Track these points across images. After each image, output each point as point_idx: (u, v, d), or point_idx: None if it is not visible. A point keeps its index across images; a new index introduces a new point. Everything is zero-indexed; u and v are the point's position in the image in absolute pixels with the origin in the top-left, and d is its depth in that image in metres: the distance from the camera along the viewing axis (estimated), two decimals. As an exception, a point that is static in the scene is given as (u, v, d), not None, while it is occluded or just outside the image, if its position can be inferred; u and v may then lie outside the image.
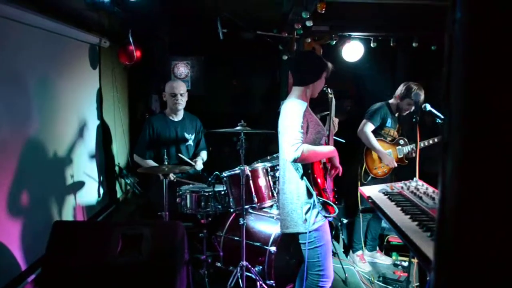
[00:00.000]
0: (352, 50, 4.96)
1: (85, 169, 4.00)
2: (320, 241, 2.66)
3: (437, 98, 3.70)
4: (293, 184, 2.67)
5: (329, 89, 2.95)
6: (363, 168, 4.30)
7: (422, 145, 4.30)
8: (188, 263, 2.72)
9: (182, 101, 4.18)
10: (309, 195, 2.62)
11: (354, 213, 4.59)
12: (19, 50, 2.98)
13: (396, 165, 4.26)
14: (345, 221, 4.93)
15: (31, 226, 3.03)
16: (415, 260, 3.84)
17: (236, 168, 3.59)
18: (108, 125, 4.55)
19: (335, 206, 2.60)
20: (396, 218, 1.95)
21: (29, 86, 3.13)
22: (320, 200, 2.58)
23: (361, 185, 4.22)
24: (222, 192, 3.77)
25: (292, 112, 2.60)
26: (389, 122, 4.30)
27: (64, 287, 2.40)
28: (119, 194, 4.76)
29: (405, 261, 4.51)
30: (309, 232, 2.62)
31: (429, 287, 1.95)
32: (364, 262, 4.42)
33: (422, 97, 3.79)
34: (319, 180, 2.62)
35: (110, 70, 4.61)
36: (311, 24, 3.94)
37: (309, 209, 2.61)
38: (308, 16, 3.71)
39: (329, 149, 2.73)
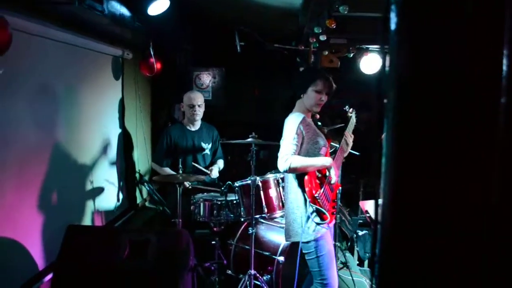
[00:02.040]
0: (370, 62, 4.98)
1: (105, 175, 4.19)
2: (321, 251, 2.70)
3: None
4: (293, 194, 2.77)
5: (350, 109, 3.21)
6: None
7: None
8: (194, 270, 2.81)
9: (200, 112, 4.32)
10: (305, 203, 2.70)
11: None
12: (46, 63, 3.20)
13: None
14: (360, 233, 4.93)
15: (51, 228, 3.21)
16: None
17: (247, 178, 3.68)
18: (130, 133, 4.74)
19: (327, 214, 2.64)
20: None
21: (56, 96, 3.36)
22: (314, 207, 2.64)
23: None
24: (234, 202, 3.87)
25: (287, 125, 2.75)
26: None
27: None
28: (138, 200, 4.93)
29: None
30: (309, 241, 2.68)
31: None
32: None
33: None
34: (312, 189, 2.67)
35: (132, 81, 4.80)
36: (325, 38, 4.01)
37: (307, 218, 2.68)
38: (321, 31, 3.78)
39: (322, 161, 2.74)
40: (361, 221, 4.21)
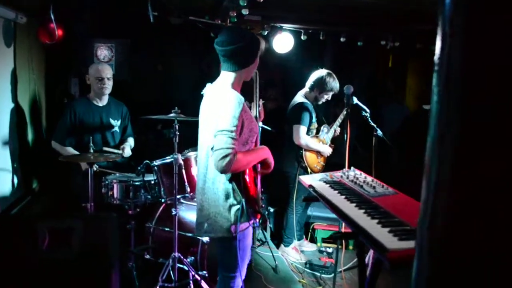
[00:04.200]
0: (283, 42, 5.00)
1: (-3, 156, 3.63)
2: (242, 244, 2.47)
3: (356, 90, 3.82)
4: (220, 184, 2.38)
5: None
6: (307, 170, 4.28)
7: (335, 126, 4.52)
8: (121, 257, 2.57)
9: (109, 86, 3.95)
10: (237, 199, 2.37)
11: (282, 203, 4.62)
12: None
13: (331, 151, 4.41)
14: (271, 209, 4.98)
15: None
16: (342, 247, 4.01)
17: (169, 157, 3.47)
18: (23, 109, 4.16)
19: (261, 212, 2.47)
20: (343, 206, 1.98)
21: None
22: (250, 210, 2.36)
23: (299, 185, 4.20)
24: (152, 182, 3.62)
25: (228, 111, 2.24)
26: (314, 118, 4.38)
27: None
28: (34, 185, 4.39)
29: (329, 247, 4.68)
30: (234, 237, 2.39)
31: (372, 270, 2.01)
32: (299, 253, 4.49)
33: (351, 90, 3.89)
34: (250, 186, 2.39)
35: (26, 49, 4.20)
36: (247, 13, 3.90)
37: (236, 213, 2.36)
38: (246, 4, 3.66)
39: (262, 153, 2.47)
40: (304, 195, 4.09)
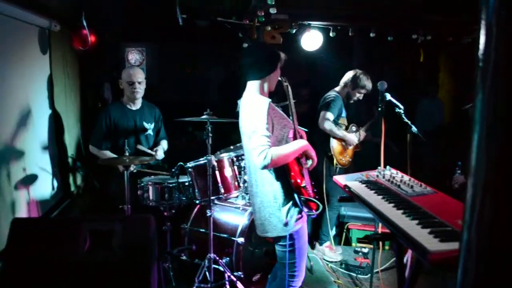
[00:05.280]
0: (311, 39, 4.97)
1: (38, 162, 3.74)
2: (298, 243, 2.57)
3: (388, 87, 3.76)
4: (268, 186, 2.51)
5: (282, 77, 2.77)
6: (333, 160, 4.29)
7: (366, 127, 4.48)
8: (158, 258, 2.61)
9: (141, 89, 4.01)
10: (287, 195, 2.49)
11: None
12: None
13: (356, 140, 4.38)
14: (305, 210, 4.94)
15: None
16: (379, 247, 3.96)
17: (202, 158, 3.50)
18: (60, 114, 4.28)
19: (317, 202, 2.48)
20: (381, 207, 1.95)
21: None
22: (302, 199, 2.45)
23: (328, 178, 4.23)
24: (187, 183, 3.67)
25: (256, 113, 2.42)
26: (343, 112, 4.39)
27: (29, 286, 2.22)
28: (72, 188, 4.51)
29: (364, 247, 4.62)
30: (289, 234, 2.51)
31: (411, 271, 1.98)
32: (334, 251, 4.45)
33: (385, 86, 3.84)
34: (297, 178, 2.47)
35: (61, 56, 4.32)
36: (275, 12, 3.89)
37: (288, 210, 2.49)
38: (273, 3, 3.65)
39: (300, 144, 2.53)
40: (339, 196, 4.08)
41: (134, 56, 5.40)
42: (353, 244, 4.78)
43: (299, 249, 2.58)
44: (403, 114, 3.91)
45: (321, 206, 2.52)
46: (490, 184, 0.78)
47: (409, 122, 3.91)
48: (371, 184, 2.35)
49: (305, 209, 2.47)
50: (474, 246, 0.81)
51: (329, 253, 4.45)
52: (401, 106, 3.94)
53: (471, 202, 0.81)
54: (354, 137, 4.39)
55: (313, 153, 2.61)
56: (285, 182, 2.48)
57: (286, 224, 2.48)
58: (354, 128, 4.47)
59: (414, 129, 3.92)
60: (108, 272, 2.26)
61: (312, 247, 4.62)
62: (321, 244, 4.52)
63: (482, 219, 0.79)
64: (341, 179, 2.58)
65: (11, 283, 2.22)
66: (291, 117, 2.73)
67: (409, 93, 6.24)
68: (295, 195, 2.44)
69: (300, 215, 2.53)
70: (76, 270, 2.25)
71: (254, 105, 2.48)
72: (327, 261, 4.39)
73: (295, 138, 2.56)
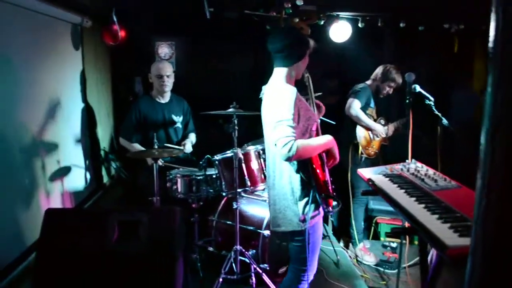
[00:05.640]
0: (340, 30, 4.91)
1: (71, 154, 3.88)
2: (312, 238, 2.49)
3: (421, 79, 3.69)
4: (286, 179, 2.44)
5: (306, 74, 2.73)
6: (358, 149, 4.26)
7: (396, 124, 4.40)
8: (185, 249, 2.66)
9: (169, 83, 4.08)
10: (305, 189, 2.41)
11: (343, 196, 4.55)
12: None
13: (383, 131, 4.31)
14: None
15: (19, 215, 2.92)
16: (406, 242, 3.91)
17: (229, 151, 3.54)
18: (93, 108, 4.42)
19: (336, 199, 2.43)
20: (402, 201, 1.93)
21: (5, 68, 2.91)
22: (322, 195, 2.38)
23: (353, 167, 4.20)
24: (214, 176, 3.72)
25: (282, 102, 2.32)
26: (372, 103, 4.34)
27: (61, 275, 2.32)
28: (105, 179, 4.65)
29: (393, 242, 4.57)
30: (304, 229, 2.42)
31: (434, 267, 1.96)
32: (369, 254, 4.36)
33: (413, 77, 3.77)
34: (318, 172, 2.39)
35: (92, 51, 4.45)
36: (302, 3, 3.87)
37: (305, 204, 2.42)
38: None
39: (326, 140, 2.49)
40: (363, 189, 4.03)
41: (164, 50, 5.49)
42: (382, 239, 4.73)
43: (312, 243, 2.50)
44: (433, 106, 3.83)
45: (340, 204, 2.47)
46: (495, 181, 0.77)
47: (439, 114, 3.83)
48: (394, 178, 2.32)
49: (324, 206, 2.42)
50: (481, 243, 0.81)
51: (364, 256, 4.35)
52: (431, 98, 3.85)
53: (479, 198, 0.81)
54: (381, 128, 4.32)
55: (336, 151, 2.56)
56: (305, 176, 2.41)
57: (302, 219, 2.41)
58: (382, 122, 4.41)
59: (444, 121, 3.83)
60: (135, 262, 2.34)
61: (338, 240, 4.60)
62: (355, 246, 4.41)
63: (488, 216, 0.78)
64: (365, 172, 2.56)
65: (44, 272, 2.33)
66: (313, 106, 2.72)
67: (442, 85, 6.08)
68: (315, 190, 2.38)
69: (317, 211, 2.47)
70: (105, 260, 2.34)
71: (280, 93, 2.38)
72: (359, 261, 4.31)
73: (317, 131, 2.55)
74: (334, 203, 2.47)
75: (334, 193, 2.49)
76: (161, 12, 5.11)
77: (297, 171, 2.42)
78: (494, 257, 0.79)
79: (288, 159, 2.28)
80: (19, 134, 3.03)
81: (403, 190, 2.09)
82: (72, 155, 3.90)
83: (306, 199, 2.42)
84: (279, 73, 2.50)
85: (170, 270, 2.34)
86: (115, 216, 2.43)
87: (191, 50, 5.47)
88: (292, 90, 2.38)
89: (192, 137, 4.32)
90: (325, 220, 4.92)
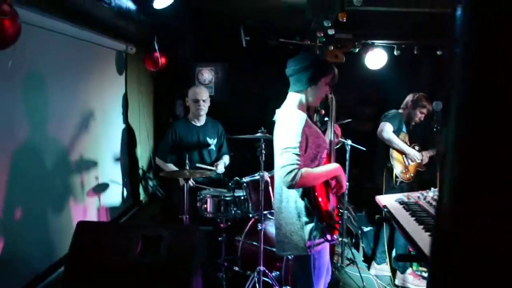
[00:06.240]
0: (376, 58, 4.95)
1: (110, 172, 4.13)
2: (318, 263, 2.48)
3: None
4: (292, 203, 2.44)
5: (330, 94, 2.67)
6: (393, 173, 4.24)
7: (432, 152, 4.34)
8: (204, 266, 2.77)
9: (205, 107, 4.26)
10: (310, 214, 2.41)
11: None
12: (51, 56, 3.14)
13: (419, 156, 4.25)
14: (365, 229, 4.89)
15: (58, 225, 3.15)
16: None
17: (256, 174, 3.64)
18: (133, 129, 4.68)
19: (337, 228, 2.43)
20: (409, 227, 1.96)
21: (56, 90, 3.24)
22: (324, 224, 2.38)
23: (388, 191, 4.14)
24: (242, 197, 3.82)
25: (289, 129, 2.33)
26: (404, 128, 4.31)
27: (87, 285, 2.49)
28: (142, 197, 4.87)
29: (425, 271, 4.45)
30: (310, 255, 2.41)
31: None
32: (419, 279, 4.22)
33: (441, 106, 3.75)
34: (320, 201, 2.38)
35: (136, 76, 4.74)
36: (333, 33, 3.97)
37: (312, 230, 2.39)
38: (330, 25, 3.74)
39: (332, 168, 2.46)
40: (377, 216, 4.02)
41: (204, 75, 5.73)
42: (414, 268, 4.61)
43: (318, 268, 2.49)
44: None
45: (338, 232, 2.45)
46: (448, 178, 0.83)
47: None
48: (409, 205, 2.34)
49: (325, 235, 2.41)
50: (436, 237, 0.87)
51: (413, 281, 4.22)
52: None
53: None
54: (415, 153, 4.26)
55: (343, 179, 2.52)
56: (308, 203, 2.40)
57: (307, 245, 2.39)
58: (417, 148, 4.37)
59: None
60: (154, 274, 2.47)
61: (369, 267, 4.53)
62: (402, 272, 4.29)
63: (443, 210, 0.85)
64: (383, 199, 2.59)
65: (72, 281, 2.50)
66: (331, 130, 2.71)
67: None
68: (316, 219, 2.38)
69: (323, 239, 2.45)
70: (127, 271, 2.48)
71: (289, 120, 2.38)
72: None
73: (330, 157, 2.57)
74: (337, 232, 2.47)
75: (339, 221, 2.48)
76: (202, 39, 5.37)
77: (302, 197, 2.42)
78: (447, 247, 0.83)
79: (291, 187, 2.28)
80: (61, 149, 3.30)
81: (414, 218, 2.11)
82: (111, 172, 4.15)
83: (312, 224, 2.41)
84: (291, 98, 2.51)
85: (186, 283, 2.44)
86: (139, 231, 2.58)
87: (229, 76, 5.67)
88: (301, 117, 2.37)
89: (226, 159, 4.46)
90: (356, 246, 4.88)
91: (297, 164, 2.26)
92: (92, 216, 3.66)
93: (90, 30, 3.57)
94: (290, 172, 2.24)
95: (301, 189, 2.42)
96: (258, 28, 4.75)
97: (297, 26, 4.99)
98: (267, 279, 3.50)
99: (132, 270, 2.48)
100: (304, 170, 2.28)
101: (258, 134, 3.51)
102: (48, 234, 3.08)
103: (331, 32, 3.94)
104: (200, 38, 5.35)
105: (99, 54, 3.98)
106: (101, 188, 3.92)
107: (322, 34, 4.18)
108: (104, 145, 4.01)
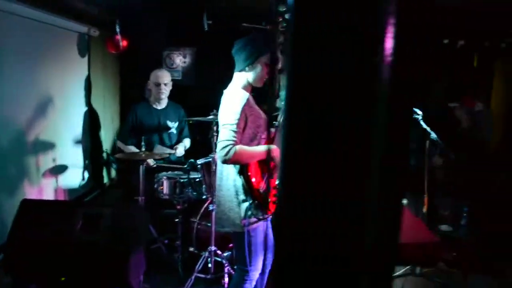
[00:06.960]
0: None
1: (69, 154, 4.15)
2: (254, 239, 2.56)
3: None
4: (231, 181, 2.52)
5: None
6: None
7: None
8: (148, 245, 2.84)
9: (166, 91, 4.30)
10: (247, 193, 2.49)
11: None
12: (10, 39, 3.14)
13: None
14: None
15: (8, 207, 3.18)
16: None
17: (209, 156, 3.70)
18: (97, 112, 4.70)
19: (270, 208, 2.51)
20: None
21: (14, 72, 3.25)
22: (256, 203, 2.47)
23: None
24: (197, 180, 3.88)
25: (230, 107, 2.44)
26: None
27: (28, 261, 2.55)
28: (105, 180, 4.92)
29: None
30: (245, 231, 2.49)
31: None
32: None
33: None
34: (254, 180, 2.47)
35: (100, 58, 4.75)
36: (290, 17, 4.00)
37: (247, 208, 2.48)
38: (285, 9, 3.77)
39: (267, 148, 2.53)
40: None
41: (172, 59, 5.74)
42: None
43: (254, 245, 2.56)
44: (421, 120, 3.86)
45: (271, 212, 2.50)
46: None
47: (428, 128, 3.86)
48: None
49: (257, 213, 2.49)
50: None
51: None
52: (419, 112, 3.88)
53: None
54: None
55: (277, 160, 2.54)
56: (246, 179, 2.47)
57: (243, 223, 2.47)
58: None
59: (433, 135, 3.86)
60: (95, 251, 2.54)
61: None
62: None
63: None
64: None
65: (13, 257, 2.56)
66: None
67: (457, 98, 6.00)
68: (249, 194, 2.47)
69: (261, 219, 2.53)
70: (68, 247, 2.55)
71: (230, 98, 2.49)
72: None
73: (269, 138, 2.61)
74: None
75: (276, 201, 2.52)
76: (170, 23, 5.37)
77: (239, 174, 2.49)
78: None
79: (225, 162, 2.39)
80: (16, 131, 3.33)
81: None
82: (70, 154, 4.18)
83: (248, 202, 2.49)
84: (236, 79, 2.61)
85: (124, 260, 2.51)
86: (80, 209, 2.65)
87: (197, 60, 5.69)
88: (242, 96, 2.47)
89: (186, 142, 4.51)
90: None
91: (233, 140, 2.35)
92: (48, 196, 3.71)
93: (49, 12, 3.57)
94: (225, 147, 2.34)
95: (237, 168, 2.49)
96: (224, 12, 4.77)
97: (265, 12, 5.00)
98: (219, 259, 3.58)
99: (71, 246, 2.54)
100: (238, 147, 2.37)
101: (210, 117, 3.56)
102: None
103: (288, 16, 3.96)
104: (168, 22, 5.36)
105: (60, 36, 3.99)
106: (59, 170, 3.95)
107: (281, 19, 4.20)
108: (64, 128, 4.03)
